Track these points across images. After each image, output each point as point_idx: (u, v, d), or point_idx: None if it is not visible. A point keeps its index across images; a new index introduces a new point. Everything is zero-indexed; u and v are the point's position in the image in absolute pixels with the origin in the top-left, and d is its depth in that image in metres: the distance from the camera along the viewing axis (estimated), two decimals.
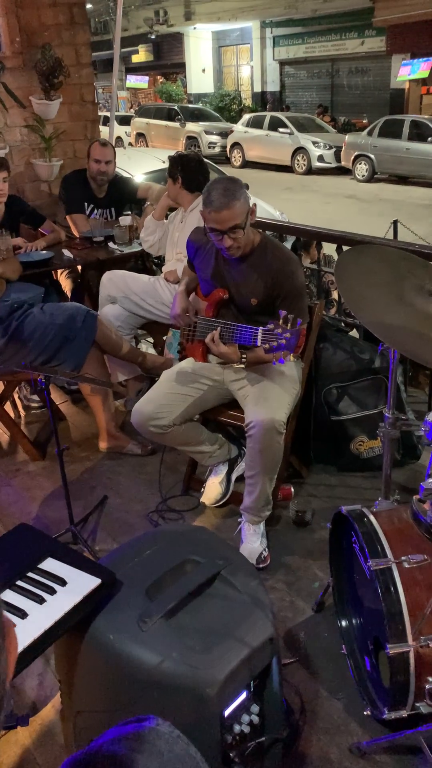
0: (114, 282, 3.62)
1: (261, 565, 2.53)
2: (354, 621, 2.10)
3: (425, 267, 2.17)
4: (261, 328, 2.17)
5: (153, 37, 26.13)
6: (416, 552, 1.73)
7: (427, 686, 1.69)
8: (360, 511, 1.90)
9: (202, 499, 2.92)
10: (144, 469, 3.28)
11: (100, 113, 5.56)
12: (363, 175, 14.98)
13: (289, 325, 2.09)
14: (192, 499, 3.01)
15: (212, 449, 2.83)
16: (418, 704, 1.72)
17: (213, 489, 2.90)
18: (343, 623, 2.12)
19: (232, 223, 2.31)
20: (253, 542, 2.58)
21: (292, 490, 2.96)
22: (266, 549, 2.59)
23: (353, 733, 1.89)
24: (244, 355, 2.44)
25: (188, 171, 3.35)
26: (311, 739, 1.88)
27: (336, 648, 2.11)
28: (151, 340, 4.41)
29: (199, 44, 25.30)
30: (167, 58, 27.41)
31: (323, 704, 1.99)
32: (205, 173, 3.40)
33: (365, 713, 1.86)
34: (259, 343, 2.21)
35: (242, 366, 2.47)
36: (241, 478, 2.79)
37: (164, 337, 3.72)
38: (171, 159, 3.43)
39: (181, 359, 2.83)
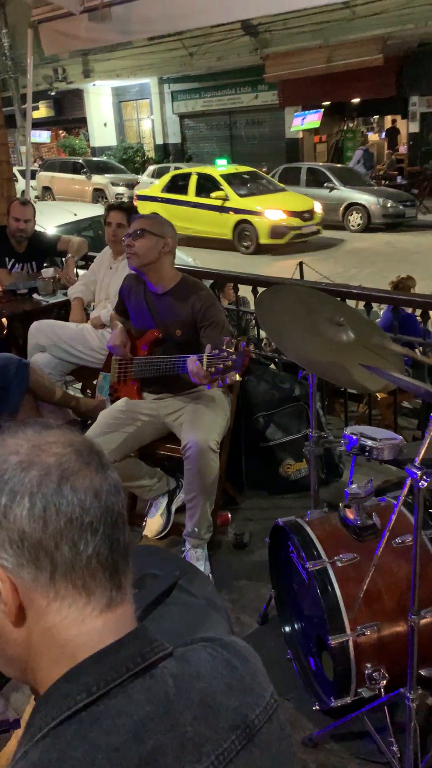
0: (42, 331, 3.75)
1: None
2: (296, 626, 2.28)
3: (332, 302, 2.46)
4: (206, 353, 2.37)
5: (53, 93, 26.60)
6: (347, 551, 1.95)
7: (366, 672, 1.89)
8: (294, 521, 2.11)
9: (144, 533, 3.05)
10: None
11: None
12: None
13: (233, 348, 2.30)
14: (134, 534, 3.12)
15: (152, 483, 2.98)
16: (360, 690, 1.91)
17: (154, 522, 3.04)
18: (287, 629, 2.30)
19: (138, 227, 2.65)
20: (198, 567, 2.72)
21: (229, 515, 3.14)
22: (210, 573, 2.75)
23: (305, 727, 2.05)
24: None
25: None
26: None
27: (282, 654, 2.28)
28: (78, 386, 4.53)
29: (99, 99, 25.92)
30: (68, 113, 27.89)
31: None
32: None
33: (314, 708, 2.04)
34: (205, 368, 2.40)
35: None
36: (180, 509, 2.95)
37: (94, 381, 3.86)
38: (114, 207, 3.66)
39: (113, 401, 2.99)
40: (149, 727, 0.65)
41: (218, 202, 13.03)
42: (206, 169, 14.62)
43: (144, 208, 13.38)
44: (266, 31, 16.82)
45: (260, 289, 3.27)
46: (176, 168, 18.09)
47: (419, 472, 1.53)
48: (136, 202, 13.72)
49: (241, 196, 13.04)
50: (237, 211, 12.76)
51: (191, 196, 13.72)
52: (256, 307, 2.33)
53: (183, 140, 24.48)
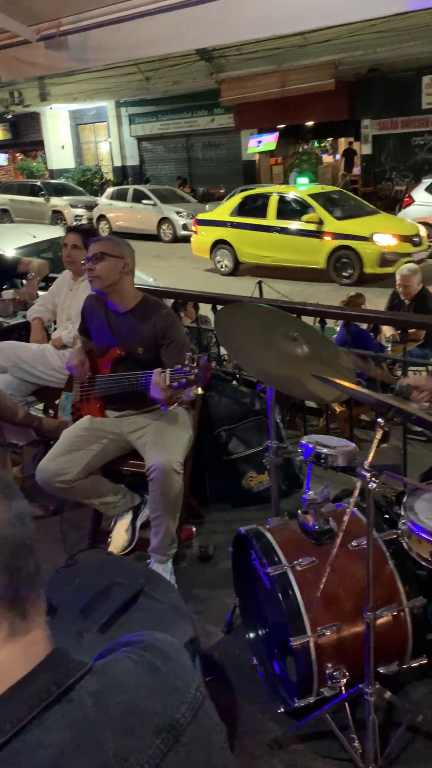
0: (3, 352, 3.77)
1: None
2: (260, 632, 2.35)
3: (287, 318, 2.56)
4: (169, 369, 2.44)
5: (9, 116, 26.61)
6: (306, 556, 2.03)
7: (327, 671, 1.96)
8: (256, 529, 2.19)
9: (109, 549, 3.07)
10: (48, 528, 3.37)
11: None
12: None
13: (195, 363, 2.38)
14: (99, 551, 3.15)
15: (116, 499, 3.02)
16: (322, 690, 1.98)
17: (119, 538, 3.08)
18: (251, 636, 2.36)
19: (98, 251, 2.72)
20: None
21: (194, 529, 3.20)
22: (175, 585, 2.79)
23: (271, 730, 2.11)
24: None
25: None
26: (234, 742, 2.07)
27: (247, 661, 2.34)
28: (40, 406, 4.54)
29: (56, 122, 26.03)
30: (25, 136, 27.90)
31: (242, 711, 2.20)
32: None
33: (279, 711, 2.10)
34: (168, 383, 2.47)
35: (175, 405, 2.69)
36: (145, 525, 2.99)
37: (57, 401, 3.89)
38: (72, 229, 3.72)
39: (75, 420, 3.03)
40: (69, 754, 0.64)
41: (311, 226, 11.23)
42: (287, 189, 13.19)
43: (209, 234, 12.55)
44: (221, 56, 17.19)
45: (219, 308, 3.37)
46: (135, 190, 18.24)
47: (368, 474, 1.62)
48: (195, 227, 13.00)
49: (338, 219, 11.32)
50: (336, 236, 11.00)
51: (271, 219, 11.90)
52: (216, 325, 2.42)
53: (141, 162, 24.70)
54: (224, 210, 12.83)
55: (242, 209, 12.42)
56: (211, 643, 2.51)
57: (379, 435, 1.69)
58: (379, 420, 1.68)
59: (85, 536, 3.23)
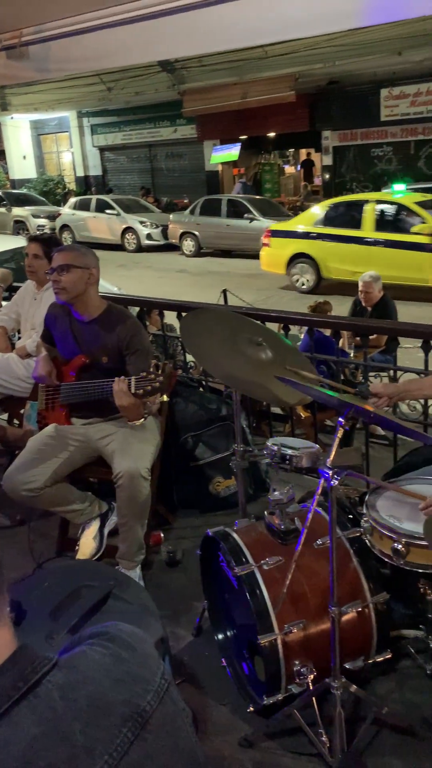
0: None
1: None
2: (229, 633, 2.38)
3: (251, 324, 2.61)
4: (133, 377, 2.45)
5: None
6: (272, 555, 2.07)
7: (295, 668, 2.00)
8: (223, 530, 2.22)
9: (77, 556, 3.07)
10: (15, 538, 3.36)
11: None
12: (191, 251, 16.00)
13: (160, 370, 2.40)
14: (67, 558, 3.15)
15: (83, 507, 3.02)
16: (290, 686, 2.02)
17: (87, 545, 3.07)
18: (220, 637, 2.39)
19: (63, 262, 2.71)
20: None
21: (162, 535, 3.22)
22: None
23: (241, 729, 2.14)
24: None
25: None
26: (205, 743, 2.09)
27: (217, 662, 2.37)
28: (5, 416, 4.51)
29: (18, 132, 25.84)
30: None
31: (212, 712, 2.22)
32: None
33: (249, 710, 2.13)
34: (133, 390, 2.48)
35: (143, 420, 2.71)
36: (113, 532, 3.00)
37: (21, 411, 3.88)
38: (33, 239, 3.71)
39: (41, 428, 3.03)
40: (38, 748, 0.66)
41: (425, 239, 9.70)
42: (383, 196, 11.46)
43: (285, 247, 11.25)
44: (183, 68, 17.32)
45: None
46: (98, 200, 18.19)
47: (330, 472, 1.67)
48: (266, 239, 11.67)
49: None
50: None
51: (368, 230, 10.41)
52: (181, 331, 2.45)
53: (104, 172, 24.67)
54: (306, 220, 11.41)
55: (331, 219, 10.95)
56: (180, 646, 2.53)
57: (340, 434, 1.74)
58: (340, 420, 1.74)
59: (53, 545, 3.22)
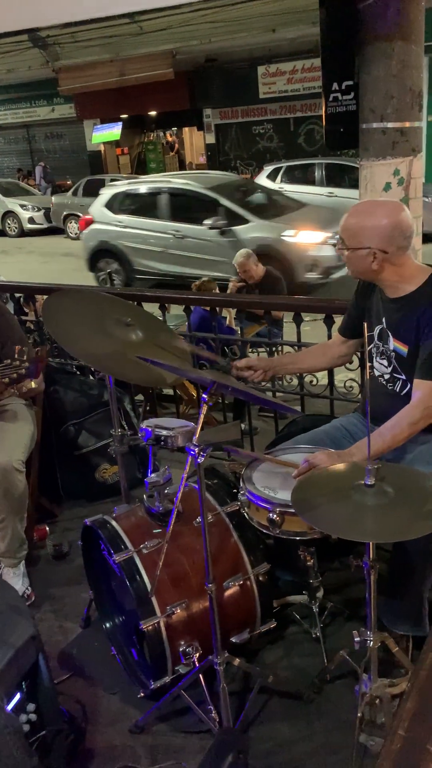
0: None
1: (26, 603, 2.63)
2: (116, 621, 2.34)
3: (121, 304, 2.54)
4: None
5: None
6: (152, 539, 2.03)
7: (180, 649, 1.98)
8: (102, 519, 2.16)
9: None
10: None
11: None
12: (76, 233, 15.56)
13: (25, 356, 2.28)
14: None
15: None
16: (177, 668, 2.00)
17: None
18: (108, 625, 2.34)
19: None
20: (15, 584, 2.66)
21: (47, 528, 3.11)
22: (29, 587, 2.71)
23: (132, 716, 2.10)
24: None
25: None
26: (95, 735, 2.05)
27: (107, 652, 2.32)
28: None
29: None
30: None
31: (102, 702, 2.18)
32: None
33: (139, 696, 2.10)
34: None
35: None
36: None
37: None
38: None
39: None
40: None
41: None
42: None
43: None
44: (55, 43, 16.69)
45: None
46: (3, 183, 17.27)
47: (197, 449, 1.65)
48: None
49: None
50: None
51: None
52: (43, 313, 2.34)
53: None
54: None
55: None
56: (69, 639, 2.46)
57: (204, 410, 1.72)
58: (204, 396, 1.72)
59: None
